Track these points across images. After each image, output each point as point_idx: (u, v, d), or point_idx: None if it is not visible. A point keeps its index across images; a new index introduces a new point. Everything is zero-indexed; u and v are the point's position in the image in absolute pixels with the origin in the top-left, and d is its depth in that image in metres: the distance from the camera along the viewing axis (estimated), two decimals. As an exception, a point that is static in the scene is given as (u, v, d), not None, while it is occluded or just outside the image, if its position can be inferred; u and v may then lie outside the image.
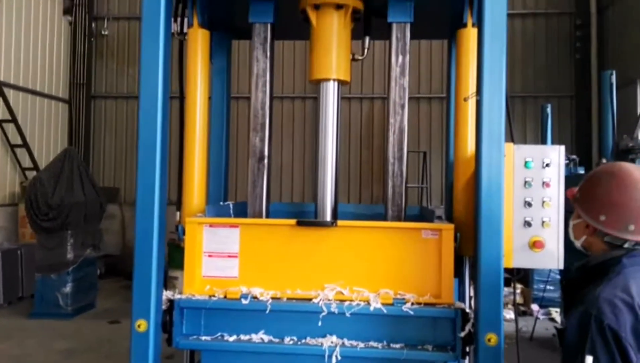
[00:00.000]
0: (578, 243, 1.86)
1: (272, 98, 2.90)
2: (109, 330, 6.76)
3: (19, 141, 9.39)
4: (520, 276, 2.72)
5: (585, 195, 1.80)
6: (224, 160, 3.33)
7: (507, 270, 2.45)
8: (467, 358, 2.79)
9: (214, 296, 2.53)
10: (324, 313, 2.41)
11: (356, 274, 2.50)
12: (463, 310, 2.37)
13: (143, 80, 2.40)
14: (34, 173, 8.87)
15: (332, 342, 2.42)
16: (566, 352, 1.60)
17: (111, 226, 10.26)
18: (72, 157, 7.53)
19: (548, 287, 7.34)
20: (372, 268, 2.50)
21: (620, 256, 1.69)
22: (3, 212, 9.20)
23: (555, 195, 2.52)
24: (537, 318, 6.78)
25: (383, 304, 2.40)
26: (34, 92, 10.15)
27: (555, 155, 2.54)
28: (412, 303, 2.41)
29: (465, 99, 2.74)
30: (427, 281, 2.47)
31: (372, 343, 2.44)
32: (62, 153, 7.68)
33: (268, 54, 2.84)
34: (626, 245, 1.70)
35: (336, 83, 2.77)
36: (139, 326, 2.38)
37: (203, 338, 2.53)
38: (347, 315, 2.39)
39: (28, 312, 7.34)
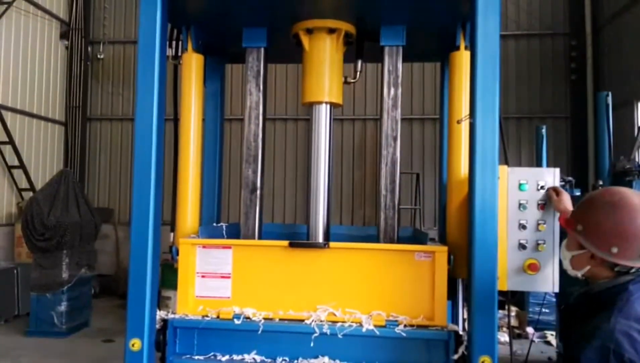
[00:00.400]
0: (578, 273, 1.84)
1: (264, 130, 2.93)
2: (103, 349, 6.71)
3: (16, 163, 9.45)
4: (515, 299, 2.73)
5: (591, 229, 1.77)
6: (217, 182, 3.36)
7: (501, 293, 2.45)
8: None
9: (207, 316, 2.54)
10: (316, 334, 2.41)
11: (348, 295, 2.51)
12: (456, 332, 2.36)
13: (139, 102, 2.44)
14: (31, 193, 8.92)
15: (324, 363, 2.42)
16: None
17: (105, 246, 10.26)
18: (68, 178, 7.59)
19: (543, 310, 7.29)
20: (364, 289, 2.50)
21: (627, 282, 1.70)
22: (0, 232, 9.21)
23: (551, 218, 2.53)
24: (532, 341, 6.72)
25: (375, 326, 2.40)
26: (30, 115, 10.24)
27: (550, 177, 2.55)
28: (405, 325, 2.40)
29: (459, 122, 2.77)
30: (420, 303, 2.47)
31: (364, 365, 2.43)
32: (58, 174, 7.73)
33: (261, 87, 2.88)
34: (633, 271, 1.71)
35: (328, 106, 2.81)
36: (133, 345, 2.38)
37: (196, 357, 2.52)
38: (339, 336, 2.39)
39: (24, 330, 7.33)
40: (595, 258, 1.75)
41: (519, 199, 2.53)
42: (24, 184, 9.64)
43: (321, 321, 2.44)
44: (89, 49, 11.39)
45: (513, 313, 7.34)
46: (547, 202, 2.51)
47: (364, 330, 2.39)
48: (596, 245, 1.74)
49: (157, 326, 2.49)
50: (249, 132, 2.87)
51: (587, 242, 1.77)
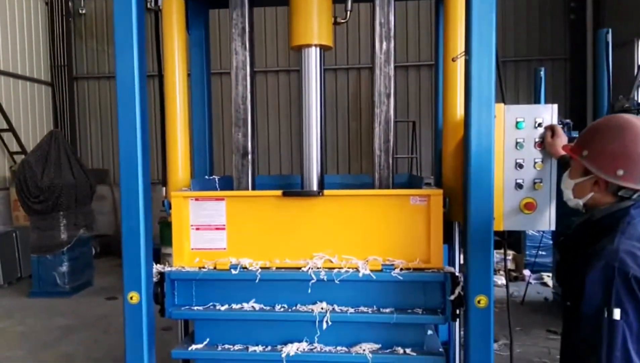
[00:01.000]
0: (580, 201, 1.84)
1: (253, 91, 2.81)
2: (106, 307, 6.84)
3: (4, 126, 9.30)
4: (511, 240, 2.73)
5: (596, 152, 1.76)
6: (207, 135, 3.27)
7: (497, 233, 2.44)
8: (458, 320, 2.82)
9: (203, 267, 2.53)
10: (313, 281, 2.41)
11: (344, 242, 2.49)
12: (452, 274, 2.36)
13: (118, 54, 2.32)
14: (22, 156, 8.81)
15: (322, 308, 2.43)
16: (588, 305, 1.60)
17: (103, 207, 10.27)
18: (58, 139, 7.49)
19: (540, 252, 7.41)
20: (360, 236, 2.49)
21: (628, 207, 1.72)
22: (-5, 196, 9.19)
23: (548, 155, 2.48)
24: (528, 282, 6.86)
25: (372, 270, 2.39)
26: (15, 76, 9.99)
27: (547, 114, 2.48)
28: (401, 269, 2.40)
29: (454, 59, 2.67)
30: (416, 247, 2.46)
31: (362, 309, 2.45)
32: (48, 136, 7.62)
33: (247, 45, 2.73)
34: (635, 196, 1.71)
35: (318, 49, 2.69)
36: (131, 298, 2.40)
37: (195, 308, 2.54)
38: (336, 282, 2.39)
39: (27, 292, 7.45)
40: (599, 184, 1.76)
41: (515, 138, 2.47)
42: (14, 147, 9.52)
43: (318, 268, 2.44)
44: (70, 4, 10.97)
45: (510, 257, 7.45)
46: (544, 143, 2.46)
47: (360, 275, 2.39)
48: (602, 168, 1.73)
49: (155, 279, 2.49)
50: (236, 94, 2.76)
51: (592, 166, 1.76)
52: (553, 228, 2.55)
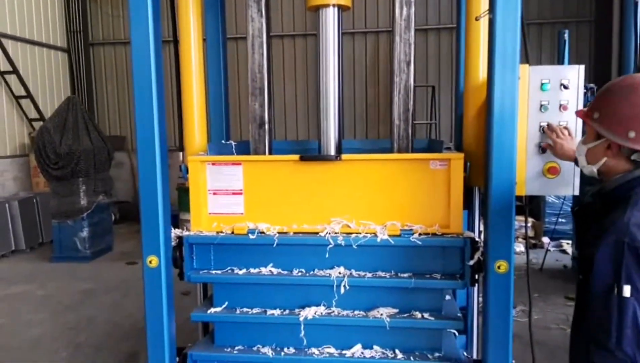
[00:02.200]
0: (594, 168, 1.76)
1: (270, 59, 2.73)
2: (126, 271, 6.98)
3: (22, 93, 9.34)
4: (531, 206, 2.66)
5: (606, 113, 1.68)
6: (223, 101, 3.23)
7: (518, 198, 2.39)
8: (476, 287, 2.81)
9: (221, 232, 2.54)
10: (330, 246, 2.40)
11: (362, 208, 2.47)
12: (472, 239, 2.33)
13: (133, 19, 2.26)
14: (41, 123, 8.88)
15: (340, 273, 2.43)
16: (598, 282, 1.54)
17: (121, 174, 10.40)
18: (76, 106, 7.53)
19: (560, 220, 7.33)
20: (378, 201, 2.46)
21: None
22: (15, 163, 9.34)
23: (573, 118, 2.40)
24: (547, 250, 6.81)
25: (390, 235, 2.37)
26: (31, 42, 9.99)
27: (574, 75, 2.38)
28: (420, 234, 2.38)
29: (477, 18, 2.57)
30: (436, 212, 2.43)
31: (380, 273, 2.44)
32: (65, 102, 7.66)
33: (263, 11, 2.63)
34: None
35: (336, 9, 2.60)
36: (150, 262, 2.41)
37: (213, 272, 2.56)
38: (354, 247, 2.37)
39: (49, 257, 7.63)
40: (612, 148, 1.67)
41: (540, 100, 2.39)
42: (33, 114, 9.60)
43: (335, 233, 2.43)
44: (84, -32, 10.88)
45: (529, 224, 7.38)
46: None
47: (378, 240, 2.37)
48: (613, 130, 1.65)
49: (173, 243, 2.51)
50: (252, 62, 2.69)
51: (603, 129, 1.67)
52: (576, 192, 2.49)
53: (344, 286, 2.40)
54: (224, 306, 2.59)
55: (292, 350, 2.52)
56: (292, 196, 2.51)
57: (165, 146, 2.42)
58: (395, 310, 2.44)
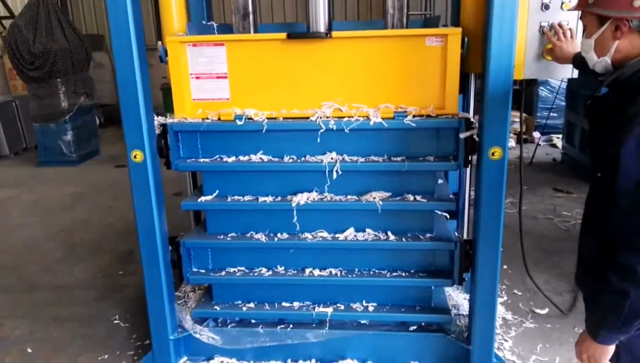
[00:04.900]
0: (607, 58, 1.57)
1: None
2: (116, 174, 6.93)
3: (-12, -13, 8.67)
4: (530, 88, 2.56)
5: None
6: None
7: (516, 82, 2.28)
8: (468, 174, 2.78)
9: (207, 118, 2.43)
10: (322, 131, 2.32)
11: (354, 90, 2.35)
12: (467, 119, 2.26)
13: None
14: (11, 21, 8.33)
15: (332, 158, 2.37)
16: (625, 180, 1.43)
17: (103, 75, 9.97)
18: (47, 1, 6.97)
19: (552, 114, 7.27)
20: (371, 82, 2.34)
21: None
22: (-11, 66, 8.90)
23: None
24: (538, 144, 6.82)
25: (383, 118, 2.29)
26: None
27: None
28: (414, 116, 2.29)
29: None
30: (431, 93, 2.32)
31: (372, 158, 2.39)
32: (35, -4, 7.08)
33: None
34: None
35: None
36: (135, 156, 2.33)
37: (201, 160, 2.49)
38: (346, 131, 2.29)
39: (35, 161, 7.51)
40: (621, 28, 1.50)
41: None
42: (2, 12, 9.00)
43: (327, 117, 2.34)
44: None
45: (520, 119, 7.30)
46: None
47: (371, 123, 2.28)
48: (615, 5, 1.48)
49: (157, 131, 2.41)
50: None
51: (604, 9, 1.50)
52: (575, 75, 2.38)
53: (336, 171, 2.35)
54: (214, 194, 2.55)
55: (285, 235, 2.54)
56: (280, 79, 2.38)
57: (141, 29, 2.23)
58: (388, 194, 2.42)
